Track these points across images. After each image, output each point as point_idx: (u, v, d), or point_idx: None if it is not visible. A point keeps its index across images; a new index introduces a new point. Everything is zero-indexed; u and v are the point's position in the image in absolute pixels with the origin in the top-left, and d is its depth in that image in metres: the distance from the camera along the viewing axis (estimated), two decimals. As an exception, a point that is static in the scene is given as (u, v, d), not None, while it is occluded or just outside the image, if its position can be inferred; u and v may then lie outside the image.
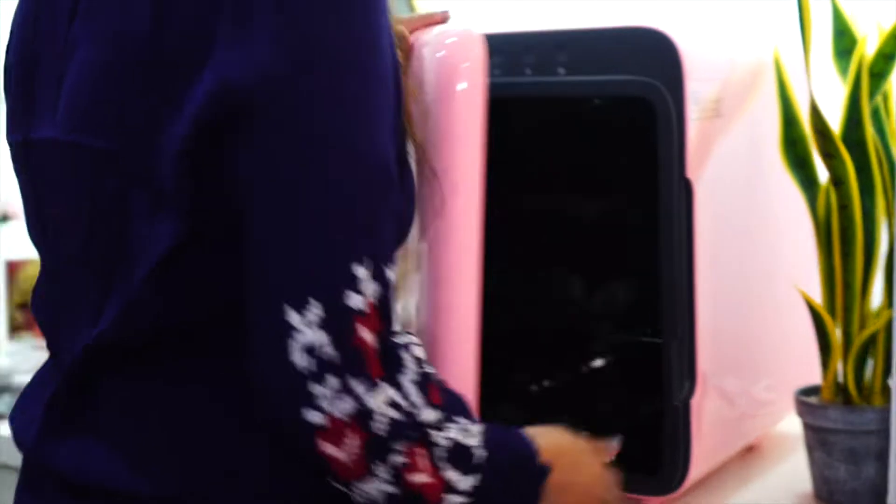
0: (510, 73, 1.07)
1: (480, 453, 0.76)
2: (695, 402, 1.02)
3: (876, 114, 1.07)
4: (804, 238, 1.08)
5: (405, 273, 0.88)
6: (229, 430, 0.77)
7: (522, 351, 1.13)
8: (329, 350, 0.69)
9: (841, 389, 1.07)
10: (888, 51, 1.04)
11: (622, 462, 0.91)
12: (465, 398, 0.81)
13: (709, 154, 1.03)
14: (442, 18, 0.98)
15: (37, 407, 0.83)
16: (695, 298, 1.01)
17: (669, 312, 1.01)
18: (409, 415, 0.72)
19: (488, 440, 0.77)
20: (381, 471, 0.72)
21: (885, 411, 1.02)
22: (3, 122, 0.88)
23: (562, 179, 1.10)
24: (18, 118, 0.86)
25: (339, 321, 0.69)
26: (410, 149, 0.83)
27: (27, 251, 1.11)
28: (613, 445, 0.92)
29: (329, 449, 0.70)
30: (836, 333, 1.05)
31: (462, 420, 0.77)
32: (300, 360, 0.69)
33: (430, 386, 0.75)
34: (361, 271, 0.70)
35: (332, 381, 0.69)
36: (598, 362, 1.10)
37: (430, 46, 0.88)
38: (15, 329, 1.81)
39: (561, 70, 1.04)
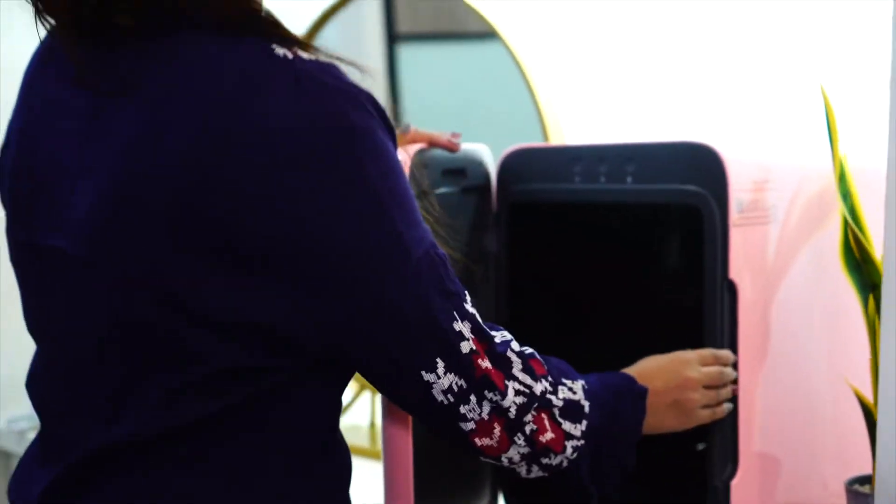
0: (587, 180, 1.21)
1: (584, 403, 0.99)
2: (735, 483, 1.11)
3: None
4: (859, 334, 1.16)
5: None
6: None
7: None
8: (462, 384, 0.90)
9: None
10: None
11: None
12: (562, 362, 1.02)
13: (762, 256, 1.13)
14: (448, 143, 1.15)
15: (36, 486, 0.92)
16: (738, 388, 1.11)
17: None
18: (527, 395, 0.94)
19: (588, 390, 1.00)
20: (520, 439, 0.95)
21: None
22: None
23: (617, 277, 1.23)
24: (23, 218, 0.93)
25: (462, 366, 0.90)
26: None
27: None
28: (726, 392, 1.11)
29: (481, 441, 0.94)
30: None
31: (565, 381, 0.99)
32: (444, 398, 0.90)
33: (533, 363, 0.96)
34: (458, 324, 0.90)
35: (472, 399, 0.91)
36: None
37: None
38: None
39: (629, 178, 1.18)
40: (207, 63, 0.83)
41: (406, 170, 0.99)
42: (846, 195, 1.08)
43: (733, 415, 1.12)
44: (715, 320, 1.11)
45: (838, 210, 1.17)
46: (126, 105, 0.84)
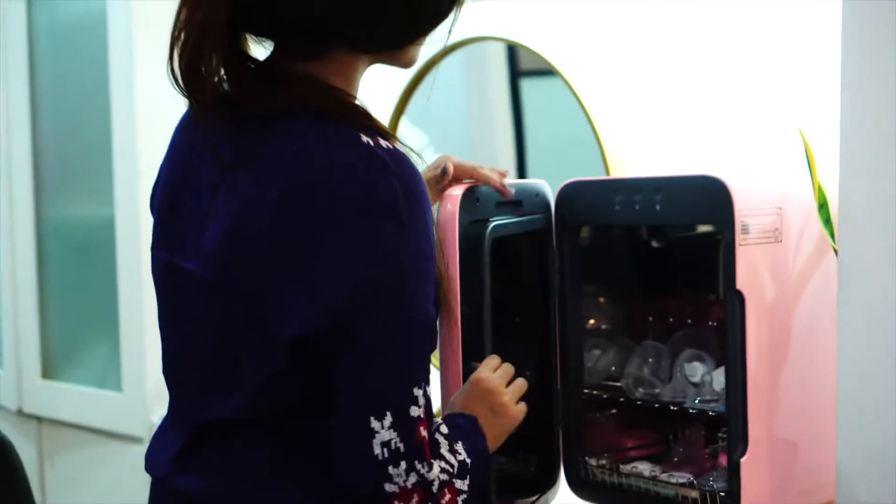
0: (625, 206, 1.44)
1: (468, 460, 1.14)
2: (744, 461, 1.33)
3: None
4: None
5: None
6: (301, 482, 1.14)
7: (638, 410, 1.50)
8: (399, 444, 1.06)
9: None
10: None
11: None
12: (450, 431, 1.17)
13: (770, 271, 1.34)
14: (501, 188, 1.39)
15: (167, 451, 1.19)
16: (747, 381, 1.33)
17: (733, 389, 1.34)
18: (449, 472, 1.10)
19: (466, 447, 1.15)
20: None
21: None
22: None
23: (654, 283, 1.47)
24: (167, 240, 1.19)
25: (406, 426, 1.07)
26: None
27: None
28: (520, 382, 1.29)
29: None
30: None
31: (456, 446, 1.14)
32: (379, 451, 1.06)
33: (451, 445, 1.13)
34: (417, 391, 1.08)
35: (402, 464, 1.07)
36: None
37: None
38: None
39: (658, 206, 1.41)
40: (306, 147, 1.09)
41: (455, 208, 1.26)
42: (827, 220, 1.29)
43: (744, 405, 1.33)
44: (727, 324, 1.33)
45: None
46: (246, 172, 1.11)
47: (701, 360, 1.51)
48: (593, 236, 1.56)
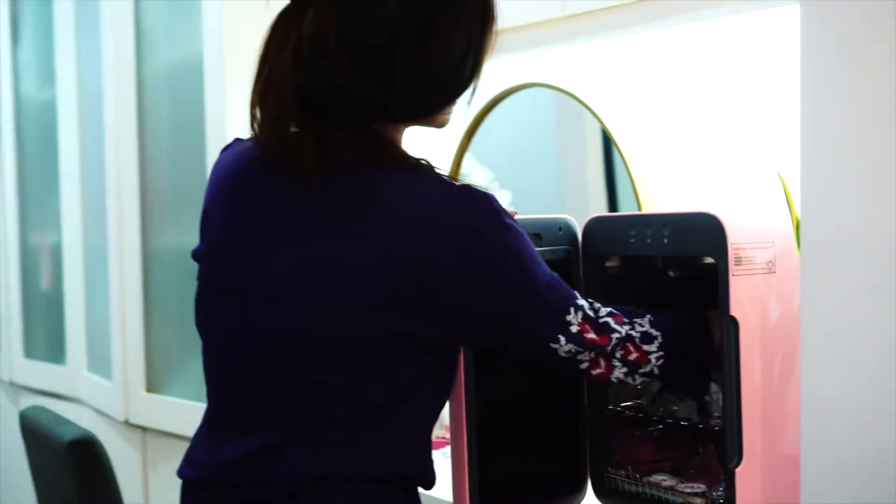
0: (638, 239, 1.60)
1: (652, 331, 1.45)
2: (739, 471, 1.46)
3: None
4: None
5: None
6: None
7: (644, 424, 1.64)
8: (578, 348, 1.41)
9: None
10: None
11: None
12: (633, 307, 1.48)
13: (762, 299, 1.48)
14: None
15: (232, 447, 1.35)
16: (741, 397, 1.46)
17: (728, 404, 1.47)
18: (618, 339, 1.43)
19: (655, 321, 1.46)
20: (618, 364, 1.44)
21: None
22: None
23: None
24: (229, 267, 1.37)
25: (575, 340, 1.40)
26: None
27: None
28: None
29: (594, 371, 1.44)
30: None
31: (636, 319, 1.45)
32: (566, 354, 1.41)
33: (616, 318, 1.43)
34: (570, 315, 1.40)
35: (586, 355, 1.42)
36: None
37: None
38: None
39: (665, 239, 1.56)
40: (403, 189, 1.31)
41: None
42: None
43: (739, 419, 1.47)
44: (723, 347, 1.47)
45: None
46: (349, 213, 1.32)
47: (716, 380, 1.64)
48: (617, 265, 1.71)
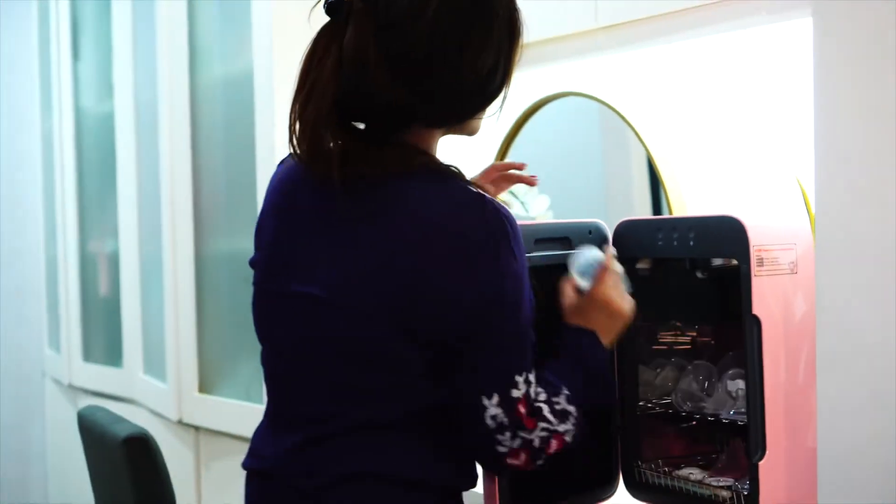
0: (665, 242, 1.66)
1: (570, 408, 1.43)
2: (762, 464, 1.52)
3: None
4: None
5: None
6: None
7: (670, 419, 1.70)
8: (504, 418, 1.38)
9: None
10: None
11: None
12: (550, 372, 1.44)
13: (784, 298, 1.54)
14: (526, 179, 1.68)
15: (283, 440, 1.44)
16: (764, 393, 1.52)
17: (752, 400, 1.53)
18: (548, 430, 1.40)
19: (569, 394, 1.43)
20: (541, 461, 1.41)
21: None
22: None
23: (704, 308, 1.67)
24: (276, 274, 1.45)
25: (508, 404, 1.38)
26: None
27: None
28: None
29: (511, 462, 1.41)
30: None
31: (556, 398, 1.42)
32: (490, 423, 1.38)
33: (551, 404, 1.40)
34: (518, 378, 1.38)
35: (507, 433, 1.39)
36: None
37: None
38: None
39: (691, 242, 1.62)
40: (427, 196, 1.39)
41: None
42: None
43: (762, 414, 1.53)
44: (746, 344, 1.53)
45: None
46: (375, 222, 1.39)
47: (743, 376, 1.70)
48: (648, 267, 1.77)
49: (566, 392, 1.44)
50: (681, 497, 1.69)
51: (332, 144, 1.41)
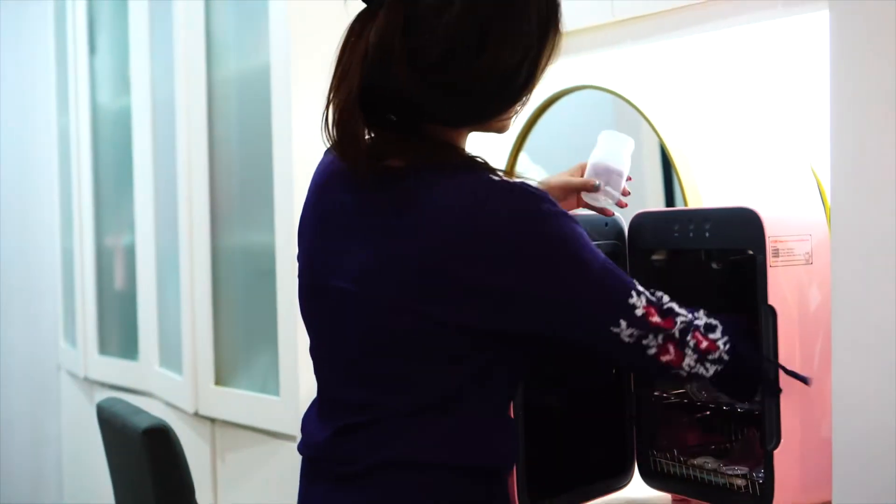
0: (681, 233, 1.67)
1: (713, 321, 1.48)
2: (777, 452, 1.53)
3: None
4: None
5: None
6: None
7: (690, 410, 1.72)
8: (642, 332, 1.42)
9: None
10: None
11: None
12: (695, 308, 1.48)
13: (799, 289, 1.55)
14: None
15: (327, 427, 1.47)
16: (779, 382, 1.54)
17: (766, 387, 1.55)
18: (685, 323, 1.44)
19: (709, 313, 1.49)
20: (689, 350, 1.45)
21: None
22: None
23: (721, 299, 1.68)
24: (313, 268, 1.48)
25: (639, 323, 1.41)
26: None
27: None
28: None
29: (663, 358, 1.44)
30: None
31: (698, 313, 1.47)
32: (629, 339, 1.42)
33: (681, 307, 1.45)
34: (633, 299, 1.42)
35: (652, 339, 1.43)
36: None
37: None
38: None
39: (707, 233, 1.63)
40: (448, 188, 1.40)
41: None
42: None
43: (777, 403, 1.54)
44: (760, 334, 1.54)
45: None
46: (401, 213, 1.40)
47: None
48: (664, 259, 1.79)
49: (703, 310, 1.50)
50: (696, 486, 1.71)
51: (361, 134, 1.42)
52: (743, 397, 1.61)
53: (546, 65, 1.45)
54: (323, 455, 1.49)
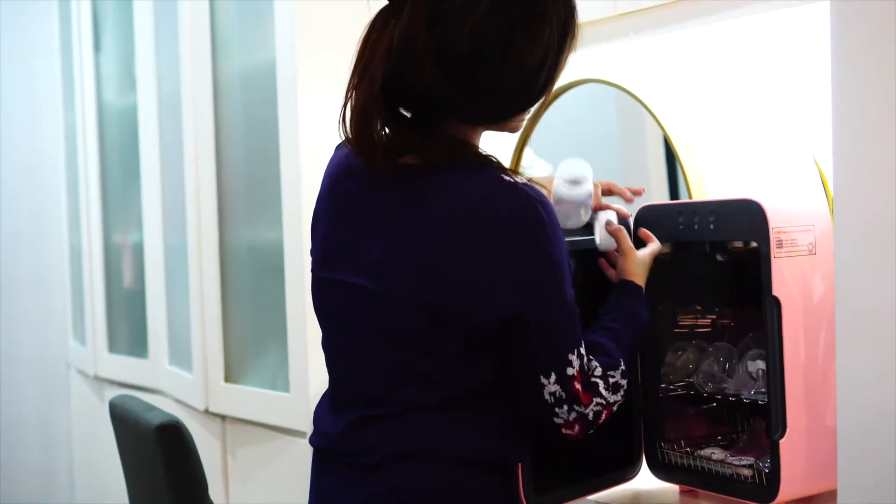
0: (686, 226, 1.69)
1: (622, 382, 1.50)
2: (783, 442, 1.55)
3: None
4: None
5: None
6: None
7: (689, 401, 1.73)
8: (561, 394, 1.43)
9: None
10: None
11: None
12: (612, 352, 1.51)
13: (803, 280, 1.56)
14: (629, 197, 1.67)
15: (341, 420, 1.48)
16: (784, 372, 1.55)
17: (772, 379, 1.56)
18: (602, 405, 1.46)
19: (623, 370, 1.51)
20: (591, 430, 1.47)
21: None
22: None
23: (724, 291, 1.70)
24: (330, 264, 1.49)
25: (564, 382, 1.43)
26: None
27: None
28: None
29: (566, 432, 1.46)
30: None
31: (611, 372, 1.48)
32: (548, 399, 1.44)
33: (606, 378, 1.46)
34: (572, 356, 1.43)
35: (565, 407, 1.44)
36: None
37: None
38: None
39: (712, 225, 1.65)
40: (461, 186, 1.42)
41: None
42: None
43: (782, 393, 1.55)
44: (766, 323, 1.55)
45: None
46: (411, 211, 1.43)
47: (763, 357, 1.72)
48: (669, 251, 1.80)
49: (622, 367, 1.50)
50: (703, 476, 1.72)
51: (378, 130, 1.43)
52: None
53: (564, 66, 1.47)
54: (336, 447, 1.51)
